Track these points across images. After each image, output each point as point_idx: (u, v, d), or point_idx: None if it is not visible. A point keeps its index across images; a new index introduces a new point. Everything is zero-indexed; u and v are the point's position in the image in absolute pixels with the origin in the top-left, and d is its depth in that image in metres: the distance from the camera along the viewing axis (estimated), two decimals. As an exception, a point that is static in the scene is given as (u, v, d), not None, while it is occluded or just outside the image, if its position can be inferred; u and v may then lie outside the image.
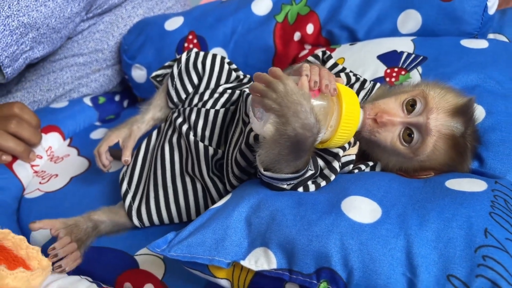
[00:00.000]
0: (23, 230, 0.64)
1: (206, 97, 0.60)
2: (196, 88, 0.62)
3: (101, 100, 0.91)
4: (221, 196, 0.57)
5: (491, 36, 0.78)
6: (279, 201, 0.44)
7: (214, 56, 0.63)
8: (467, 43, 0.67)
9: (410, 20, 0.71)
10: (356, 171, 0.52)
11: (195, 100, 0.61)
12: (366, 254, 0.40)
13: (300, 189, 0.47)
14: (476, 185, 0.46)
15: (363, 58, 0.68)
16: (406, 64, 0.65)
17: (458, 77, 0.61)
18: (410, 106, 0.50)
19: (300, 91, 0.41)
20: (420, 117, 0.49)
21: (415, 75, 0.64)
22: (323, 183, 0.48)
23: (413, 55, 0.66)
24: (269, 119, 0.42)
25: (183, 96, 0.63)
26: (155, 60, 0.83)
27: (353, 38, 0.75)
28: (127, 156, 0.60)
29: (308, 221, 0.41)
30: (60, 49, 0.89)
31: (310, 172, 0.46)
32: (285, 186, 0.46)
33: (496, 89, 0.60)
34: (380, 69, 0.65)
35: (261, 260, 0.42)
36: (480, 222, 0.41)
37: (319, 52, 0.60)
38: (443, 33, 0.71)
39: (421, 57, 0.65)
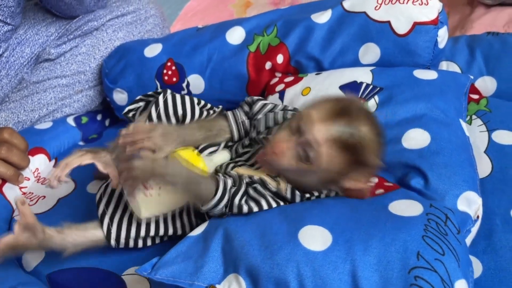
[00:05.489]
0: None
1: None
2: None
3: (84, 120, 0.95)
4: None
5: (443, 64, 0.86)
6: (247, 232, 0.51)
7: (184, 98, 0.67)
8: (419, 73, 0.75)
9: (370, 53, 0.79)
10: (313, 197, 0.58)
11: None
12: (318, 279, 0.46)
13: (248, 206, 0.54)
14: (414, 208, 0.53)
15: (326, 88, 0.75)
16: (365, 94, 0.72)
17: (409, 106, 0.69)
18: (296, 129, 0.54)
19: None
20: (306, 134, 0.53)
21: (372, 103, 0.71)
22: (263, 202, 0.55)
23: (371, 86, 0.73)
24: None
25: None
26: (135, 84, 0.89)
27: (319, 68, 0.82)
28: (115, 186, 0.61)
29: (270, 251, 0.48)
30: (43, 71, 0.94)
31: (229, 184, 0.54)
32: (224, 210, 0.55)
33: (441, 118, 0.67)
34: (342, 99, 0.72)
35: (234, 285, 0.48)
36: (414, 246, 0.48)
37: (248, 98, 0.68)
38: (399, 64, 0.79)
39: (378, 88, 0.73)
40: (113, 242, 0.61)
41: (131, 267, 0.62)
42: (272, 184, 0.57)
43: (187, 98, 0.68)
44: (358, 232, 0.50)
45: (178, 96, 0.67)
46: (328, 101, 0.56)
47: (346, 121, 0.53)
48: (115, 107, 0.93)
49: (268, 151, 0.55)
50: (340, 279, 0.46)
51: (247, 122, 0.68)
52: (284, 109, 0.66)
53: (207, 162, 0.61)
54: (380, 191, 0.60)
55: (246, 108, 0.68)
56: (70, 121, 0.93)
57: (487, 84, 0.84)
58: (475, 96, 0.83)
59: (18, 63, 0.94)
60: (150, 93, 0.69)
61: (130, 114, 0.70)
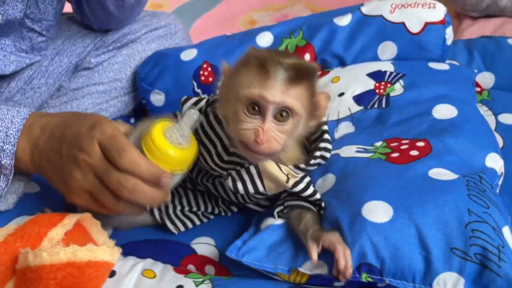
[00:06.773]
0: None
1: None
2: None
3: (119, 121, 1.01)
4: None
5: (447, 62, 0.97)
6: None
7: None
8: (433, 65, 0.85)
9: (388, 50, 0.89)
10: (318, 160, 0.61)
11: None
12: (390, 246, 0.53)
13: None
14: (451, 174, 0.60)
15: (355, 76, 0.84)
16: (390, 79, 0.82)
17: (431, 89, 0.78)
18: (253, 110, 0.52)
19: None
20: (270, 106, 0.52)
21: (398, 86, 0.80)
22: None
23: (394, 73, 0.83)
24: None
25: None
26: (173, 85, 0.95)
27: (343, 64, 0.91)
28: None
29: (343, 231, 0.55)
30: (82, 79, 1.00)
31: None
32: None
33: (461, 96, 0.77)
34: (370, 83, 0.81)
35: (314, 267, 0.54)
36: (464, 204, 0.55)
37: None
38: (413, 59, 0.89)
39: (401, 74, 0.82)
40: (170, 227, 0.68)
41: (197, 237, 0.68)
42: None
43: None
44: (412, 200, 0.56)
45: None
46: (246, 68, 0.53)
47: (274, 63, 0.51)
48: (150, 109, 0.99)
49: (255, 147, 0.52)
50: (409, 242, 0.53)
51: None
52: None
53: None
54: (415, 152, 0.65)
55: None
56: (108, 122, 0.99)
57: (486, 78, 0.95)
58: (477, 89, 0.93)
59: (57, 72, 1.00)
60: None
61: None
